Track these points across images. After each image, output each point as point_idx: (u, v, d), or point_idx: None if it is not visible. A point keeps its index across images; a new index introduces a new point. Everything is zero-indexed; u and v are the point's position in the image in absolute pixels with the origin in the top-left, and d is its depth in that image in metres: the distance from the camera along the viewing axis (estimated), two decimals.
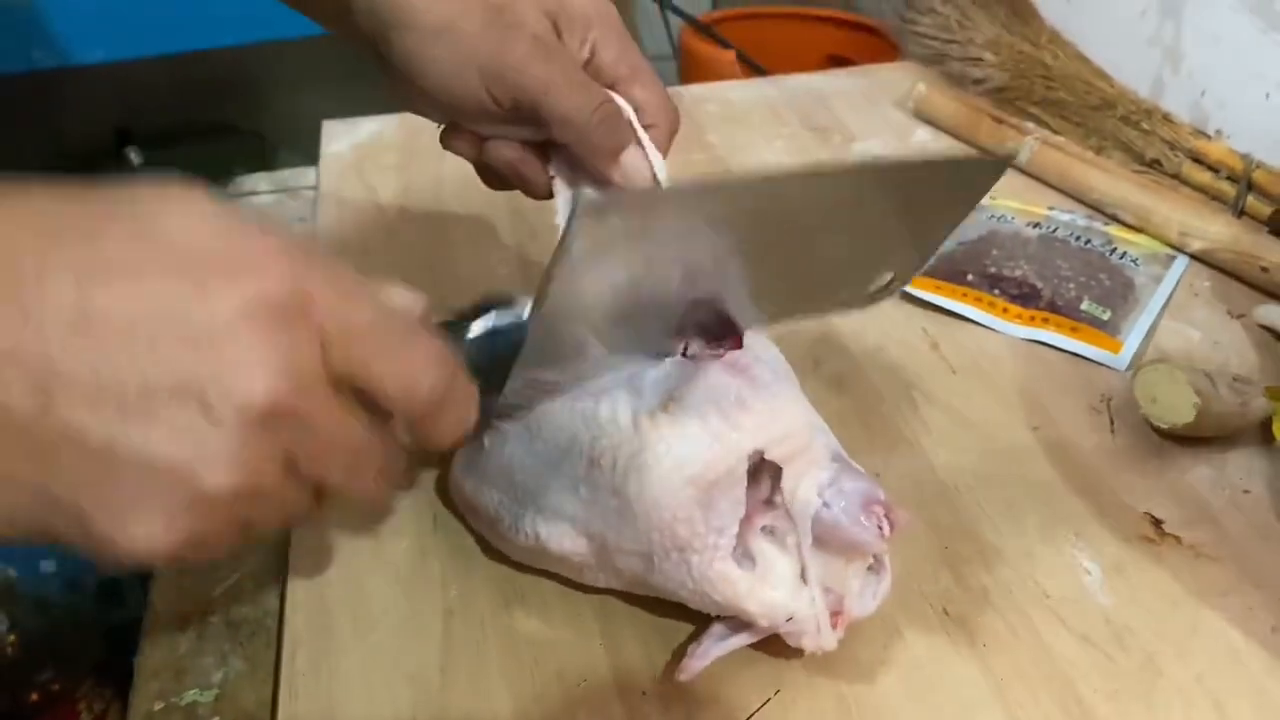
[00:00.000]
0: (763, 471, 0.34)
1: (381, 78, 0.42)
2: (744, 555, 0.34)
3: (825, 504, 0.34)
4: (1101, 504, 0.44)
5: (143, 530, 0.25)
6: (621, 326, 0.34)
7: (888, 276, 0.38)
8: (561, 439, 0.36)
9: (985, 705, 0.36)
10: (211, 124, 1.39)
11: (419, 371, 0.29)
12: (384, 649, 0.38)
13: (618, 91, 0.42)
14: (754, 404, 0.34)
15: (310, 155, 1.26)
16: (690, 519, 0.33)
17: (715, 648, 0.35)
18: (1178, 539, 0.43)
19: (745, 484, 0.33)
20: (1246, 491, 0.45)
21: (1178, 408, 0.46)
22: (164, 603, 0.42)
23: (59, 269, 0.24)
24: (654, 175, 0.41)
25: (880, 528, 0.34)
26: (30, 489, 0.25)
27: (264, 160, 1.34)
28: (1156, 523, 0.43)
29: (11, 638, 1.03)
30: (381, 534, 0.43)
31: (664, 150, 0.42)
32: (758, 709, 0.36)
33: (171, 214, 0.26)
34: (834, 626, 0.34)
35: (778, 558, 0.34)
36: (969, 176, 0.36)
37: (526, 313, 0.34)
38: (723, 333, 0.37)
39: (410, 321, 0.30)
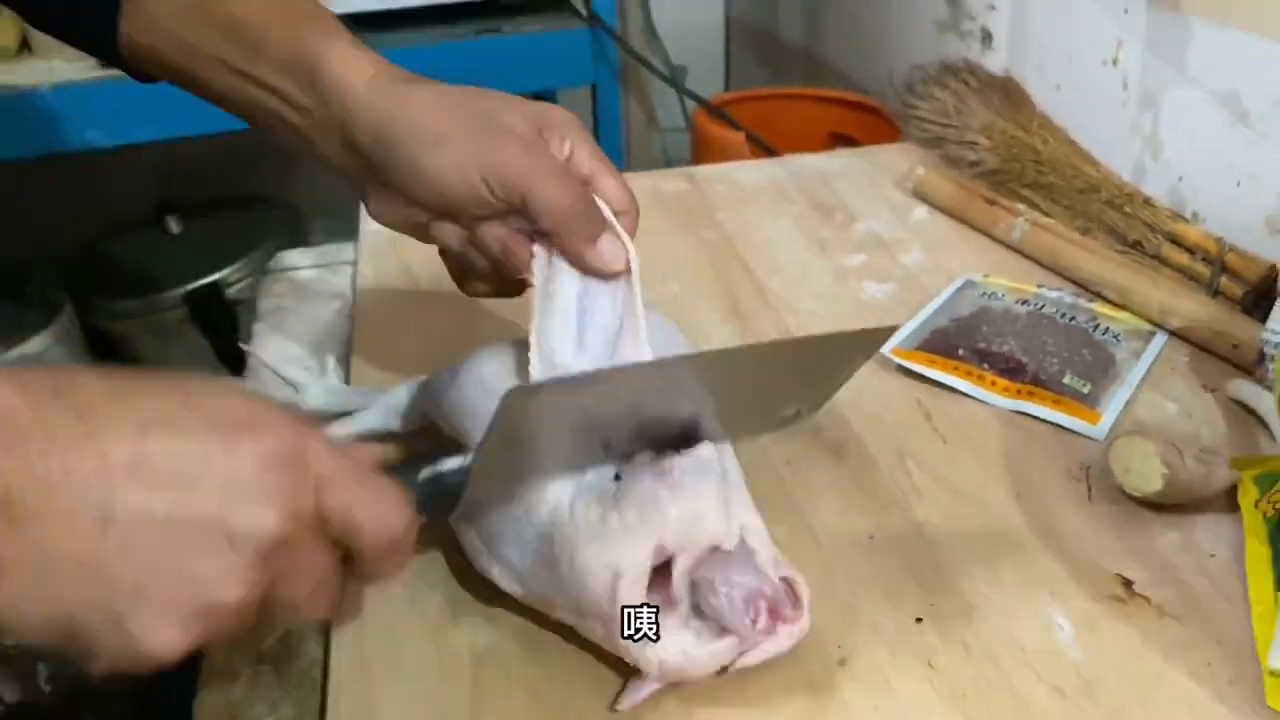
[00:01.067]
0: (665, 560, 0.40)
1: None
2: (648, 623, 0.39)
3: (714, 591, 0.39)
4: (1076, 565, 0.48)
5: (165, 635, 0.30)
6: (559, 461, 0.42)
7: (794, 410, 0.47)
8: (527, 504, 0.42)
9: None
10: (247, 195, 1.46)
11: (387, 517, 0.35)
12: (419, 695, 0.42)
13: (591, 186, 0.48)
14: (668, 505, 0.39)
15: (340, 226, 1.33)
16: (603, 596, 0.39)
17: (642, 689, 0.41)
18: (1146, 599, 0.46)
19: (647, 571, 0.39)
20: (1212, 555, 0.49)
21: (1148, 477, 0.49)
22: (219, 655, 0.46)
23: (123, 423, 0.30)
24: (626, 258, 0.47)
25: (755, 621, 0.39)
26: (77, 601, 0.29)
27: (296, 229, 1.40)
28: (1127, 583, 0.47)
29: (49, 687, 1.07)
30: (416, 587, 0.47)
31: (631, 234, 0.48)
32: None
33: (209, 390, 0.33)
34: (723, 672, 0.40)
35: (673, 628, 0.39)
36: (860, 344, 0.46)
37: (469, 459, 0.41)
38: (658, 446, 0.43)
39: (380, 477, 0.36)
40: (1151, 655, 0.44)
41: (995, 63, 0.91)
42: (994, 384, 0.60)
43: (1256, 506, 0.49)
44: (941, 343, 0.63)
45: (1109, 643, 0.44)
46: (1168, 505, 0.51)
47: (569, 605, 0.41)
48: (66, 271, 1.34)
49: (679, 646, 0.39)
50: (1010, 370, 0.60)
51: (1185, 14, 0.68)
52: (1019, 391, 0.59)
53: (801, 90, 1.19)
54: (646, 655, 0.39)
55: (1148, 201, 0.71)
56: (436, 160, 0.45)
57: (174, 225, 1.38)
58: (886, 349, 0.62)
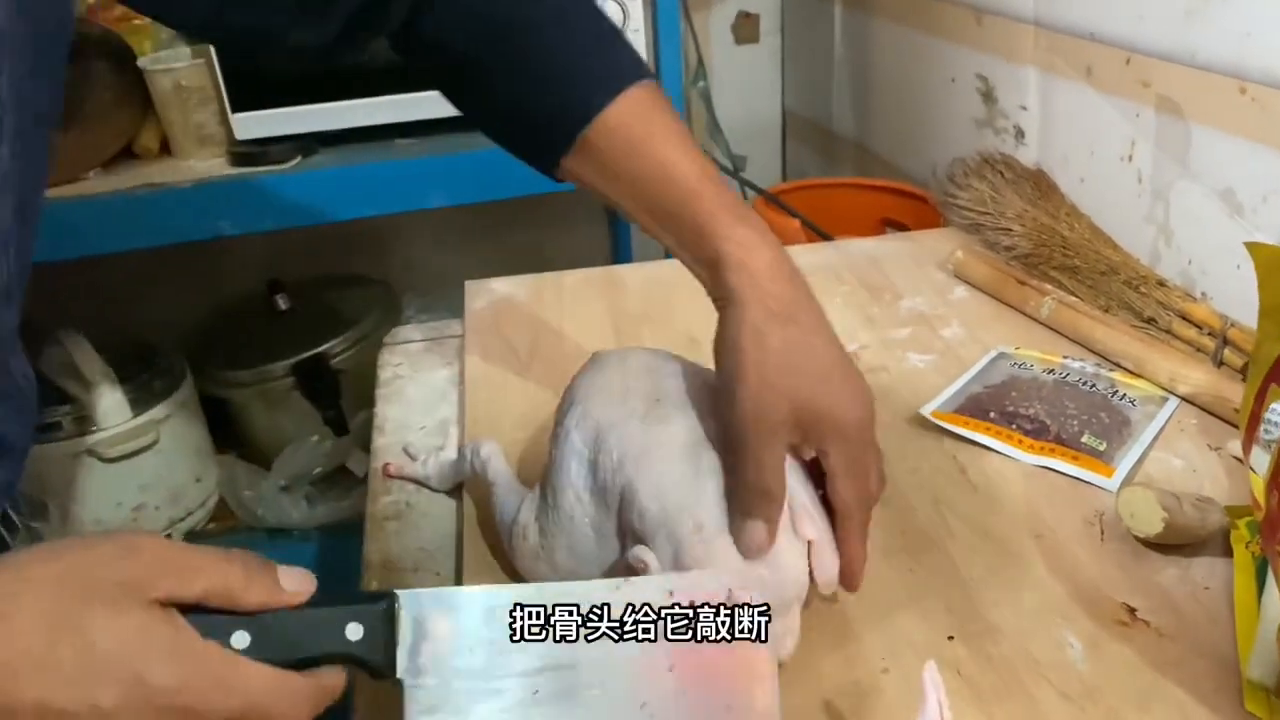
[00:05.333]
0: None
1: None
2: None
3: None
4: (1087, 595, 0.56)
5: None
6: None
7: None
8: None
9: None
10: (348, 275, 1.60)
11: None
12: None
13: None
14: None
15: (431, 302, 1.47)
16: None
17: None
18: (1147, 623, 0.54)
19: None
20: (1206, 588, 0.57)
21: (1150, 521, 0.58)
22: None
23: (24, 704, 0.35)
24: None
25: None
26: None
27: (392, 305, 1.53)
28: (1131, 610, 0.55)
29: None
30: None
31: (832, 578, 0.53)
32: None
33: (102, 630, 0.36)
34: None
35: None
36: None
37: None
38: None
39: (290, 687, 0.39)
40: (1148, 669, 0.52)
41: (1027, 156, 1.01)
42: (1020, 442, 0.68)
43: (1247, 547, 0.57)
44: (975, 406, 0.72)
45: (1112, 658, 0.52)
46: (1169, 545, 0.59)
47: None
48: (188, 345, 1.48)
49: None
50: (1035, 430, 0.69)
51: (1186, 119, 0.78)
52: (1042, 449, 0.68)
53: (854, 180, 1.30)
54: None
55: (1161, 282, 0.80)
56: (718, 367, 0.53)
57: (282, 303, 1.51)
58: (926, 411, 0.72)
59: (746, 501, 0.50)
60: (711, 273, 0.55)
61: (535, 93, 0.59)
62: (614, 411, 0.55)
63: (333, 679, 0.40)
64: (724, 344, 0.53)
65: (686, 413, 0.54)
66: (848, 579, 0.52)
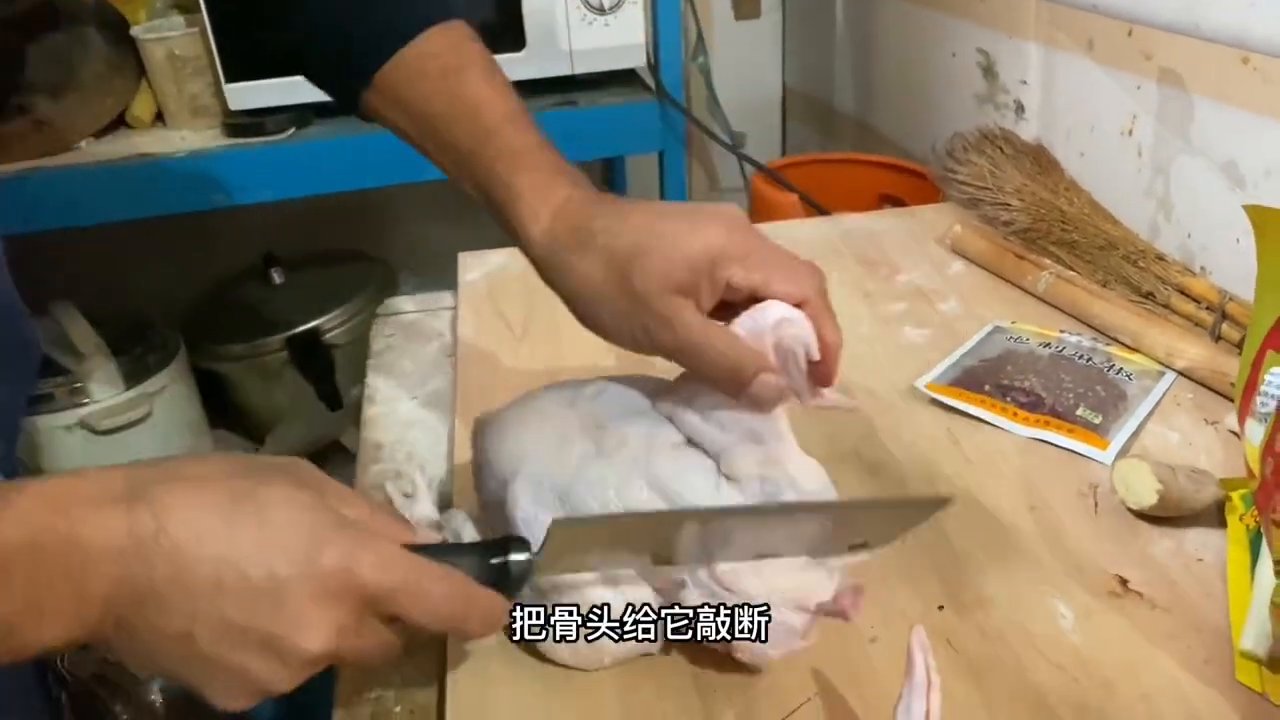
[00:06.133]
0: None
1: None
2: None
3: None
4: (1081, 566, 0.56)
5: (234, 703, 0.40)
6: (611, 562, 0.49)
7: (861, 540, 0.49)
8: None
9: (976, 714, 0.48)
10: (343, 250, 1.60)
11: (439, 608, 0.42)
12: None
13: (762, 296, 0.47)
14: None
15: (426, 276, 1.46)
16: None
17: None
18: (1139, 594, 0.54)
19: None
20: (1200, 560, 0.56)
21: (1144, 493, 0.57)
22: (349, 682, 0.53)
23: (203, 560, 0.38)
24: (777, 395, 0.49)
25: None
26: (173, 676, 0.40)
27: (387, 280, 1.53)
28: (1123, 582, 0.55)
29: (160, 700, 1.18)
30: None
31: (833, 374, 0.49)
32: (795, 709, 0.48)
33: (280, 505, 0.40)
34: None
35: None
36: (914, 510, 0.53)
37: (535, 554, 0.46)
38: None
39: (433, 572, 0.42)
40: (1140, 639, 0.51)
41: (1027, 131, 1.00)
42: (1015, 415, 0.68)
43: (1241, 519, 0.57)
44: (970, 379, 0.71)
45: (1104, 629, 0.52)
46: (1163, 517, 0.58)
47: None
48: (182, 318, 1.47)
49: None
50: (1030, 403, 0.69)
51: (1188, 92, 0.77)
52: (1037, 421, 0.67)
53: (853, 155, 1.28)
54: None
55: (1160, 257, 0.79)
56: (597, 316, 0.50)
57: (277, 277, 1.51)
58: (921, 384, 0.71)
59: (728, 381, 0.48)
60: (504, 217, 0.53)
61: (337, 24, 0.58)
62: (564, 463, 0.50)
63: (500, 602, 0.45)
64: (569, 291, 0.51)
65: (635, 422, 0.51)
66: (833, 364, 0.49)
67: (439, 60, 0.56)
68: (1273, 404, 0.52)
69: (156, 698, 1.12)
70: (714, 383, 0.49)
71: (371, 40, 0.56)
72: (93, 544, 0.37)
